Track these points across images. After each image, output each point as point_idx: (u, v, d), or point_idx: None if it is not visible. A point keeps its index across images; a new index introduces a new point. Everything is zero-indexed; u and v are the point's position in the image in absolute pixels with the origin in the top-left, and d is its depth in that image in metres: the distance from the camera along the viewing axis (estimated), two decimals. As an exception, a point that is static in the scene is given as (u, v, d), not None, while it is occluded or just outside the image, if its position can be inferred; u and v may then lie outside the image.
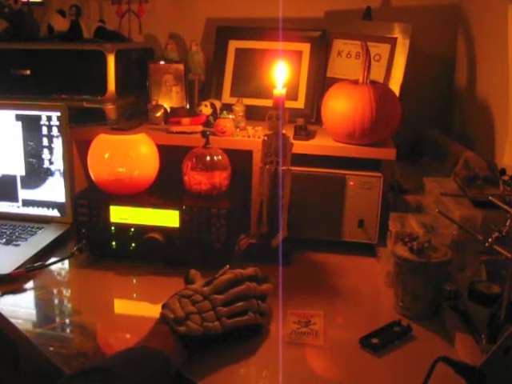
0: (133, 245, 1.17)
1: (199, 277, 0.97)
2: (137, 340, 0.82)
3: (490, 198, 0.93)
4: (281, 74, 1.16)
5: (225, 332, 0.86)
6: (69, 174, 1.33)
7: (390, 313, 1.00)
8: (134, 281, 1.13)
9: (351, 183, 1.23)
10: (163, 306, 0.88)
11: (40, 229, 1.30)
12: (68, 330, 0.97)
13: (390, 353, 0.88)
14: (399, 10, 1.67)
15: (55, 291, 1.08)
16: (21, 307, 1.02)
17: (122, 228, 1.17)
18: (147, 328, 0.85)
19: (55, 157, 1.34)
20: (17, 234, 1.27)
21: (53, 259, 1.17)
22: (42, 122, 1.33)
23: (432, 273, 0.97)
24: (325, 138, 1.31)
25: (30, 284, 1.10)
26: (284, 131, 1.16)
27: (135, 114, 1.49)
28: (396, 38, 1.48)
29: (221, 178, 1.21)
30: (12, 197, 1.37)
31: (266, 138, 1.18)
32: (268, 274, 1.07)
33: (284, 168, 1.16)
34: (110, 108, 1.40)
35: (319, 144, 1.28)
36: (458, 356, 0.85)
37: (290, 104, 1.42)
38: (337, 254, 1.25)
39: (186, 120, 1.34)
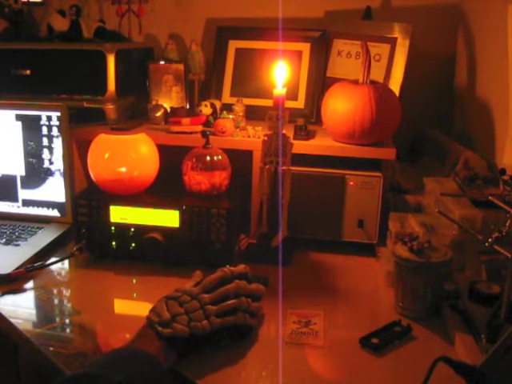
0: (133, 245, 1.17)
1: (199, 277, 0.97)
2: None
3: (489, 197, 0.93)
4: (281, 74, 1.16)
5: (213, 331, 0.85)
6: (69, 174, 1.33)
7: (390, 313, 1.00)
8: (134, 281, 1.13)
9: (351, 183, 1.23)
10: (150, 310, 0.86)
11: (40, 229, 1.30)
12: (68, 330, 0.98)
13: (389, 353, 0.88)
14: (399, 10, 1.67)
15: (55, 291, 1.08)
16: (21, 307, 1.02)
17: (122, 228, 1.17)
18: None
19: (55, 157, 1.34)
20: (17, 233, 1.27)
21: (53, 259, 1.17)
22: (42, 122, 1.33)
23: (432, 273, 0.97)
24: (325, 137, 1.31)
25: (30, 284, 1.10)
26: (284, 131, 1.16)
27: (135, 114, 1.49)
28: (396, 38, 1.48)
29: (221, 178, 1.21)
30: (12, 197, 1.37)
31: (266, 137, 1.18)
32: (268, 274, 1.08)
33: (284, 168, 1.16)
34: (110, 108, 1.40)
35: (319, 144, 1.28)
36: (458, 356, 0.85)
37: (289, 104, 1.42)
38: (337, 254, 1.25)
39: (185, 120, 1.34)
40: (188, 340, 0.83)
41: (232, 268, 0.93)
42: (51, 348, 0.89)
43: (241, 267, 0.95)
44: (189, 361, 0.84)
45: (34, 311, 1.03)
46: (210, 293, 0.88)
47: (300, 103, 1.53)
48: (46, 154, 1.34)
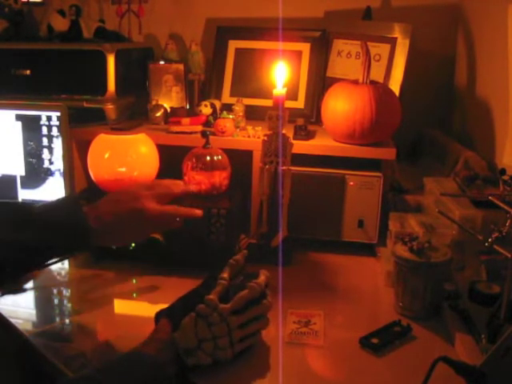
0: (133, 245, 1.17)
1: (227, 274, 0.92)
2: (137, 341, 0.81)
3: (489, 198, 0.93)
4: (281, 73, 1.16)
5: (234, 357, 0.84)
6: (69, 174, 1.33)
7: (390, 313, 1.00)
8: (134, 281, 1.13)
9: (351, 183, 1.23)
10: (167, 313, 0.84)
11: (40, 229, 1.30)
12: (68, 330, 0.98)
13: (390, 353, 0.88)
14: (399, 10, 1.67)
15: (55, 291, 1.08)
16: (21, 307, 1.03)
17: (122, 228, 1.17)
18: (147, 328, 0.84)
19: (55, 157, 1.33)
20: (17, 234, 1.27)
21: (53, 259, 1.17)
22: (42, 122, 1.32)
23: (432, 273, 0.97)
24: (325, 137, 1.31)
25: (29, 284, 1.10)
26: (284, 131, 1.16)
27: (135, 113, 1.49)
28: (396, 38, 1.48)
29: (221, 177, 1.21)
30: (12, 197, 1.37)
31: (266, 137, 1.18)
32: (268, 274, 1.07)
33: (284, 168, 1.16)
34: (109, 108, 1.40)
35: (319, 144, 1.28)
36: (458, 356, 0.85)
37: (289, 104, 1.42)
38: (337, 254, 1.25)
39: (185, 120, 1.34)
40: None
41: (257, 281, 0.89)
42: (51, 348, 0.89)
43: (264, 277, 0.91)
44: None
45: (33, 311, 1.03)
46: (240, 313, 0.85)
47: (300, 103, 1.53)
48: (45, 154, 1.34)
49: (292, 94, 1.50)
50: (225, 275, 0.90)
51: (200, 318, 0.82)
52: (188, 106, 1.52)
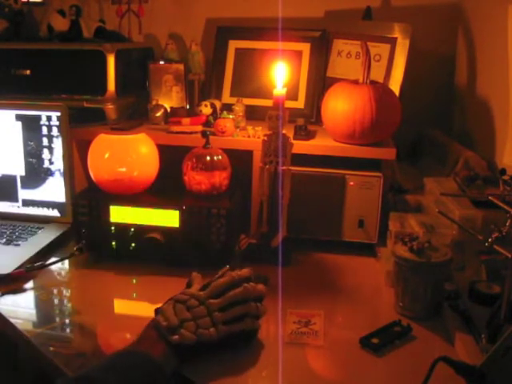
0: (133, 245, 1.17)
1: (199, 280, 0.96)
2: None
3: (489, 197, 0.93)
4: (281, 73, 1.16)
5: (220, 339, 0.84)
6: (69, 174, 1.33)
7: (390, 313, 1.00)
8: (134, 281, 1.13)
9: (351, 183, 1.23)
10: (156, 312, 0.85)
11: (40, 229, 1.30)
12: (68, 330, 0.98)
13: (390, 353, 0.88)
14: (399, 10, 1.67)
15: (55, 291, 1.08)
16: (21, 307, 1.02)
17: (122, 228, 1.17)
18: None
19: (55, 157, 1.34)
20: (17, 233, 1.27)
21: (53, 259, 1.17)
22: (42, 122, 1.33)
23: (432, 273, 0.97)
24: (325, 137, 1.31)
25: (29, 284, 1.10)
26: (284, 131, 1.16)
27: (135, 113, 1.49)
28: (396, 38, 1.48)
29: (221, 177, 1.21)
30: (12, 197, 1.37)
31: (266, 137, 1.18)
32: (268, 274, 1.07)
33: (284, 168, 1.16)
34: (109, 108, 1.40)
35: (319, 144, 1.28)
36: (458, 356, 0.85)
37: (290, 104, 1.42)
38: (337, 253, 1.25)
39: (186, 120, 1.34)
40: (192, 346, 0.82)
41: (239, 272, 0.91)
42: (51, 348, 0.89)
43: (245, 271, 0.92)
44: (180, 367, 0.83)
45: (33, 311, 1.03)
46: (218, 298, 0.86)
47: (300, 103, 1.53)
48: (45, 154, 1.34)
49: (292, 94, 1.50)
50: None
51: (178, 303, 0.85)
52: (188, 106, 1.52)
